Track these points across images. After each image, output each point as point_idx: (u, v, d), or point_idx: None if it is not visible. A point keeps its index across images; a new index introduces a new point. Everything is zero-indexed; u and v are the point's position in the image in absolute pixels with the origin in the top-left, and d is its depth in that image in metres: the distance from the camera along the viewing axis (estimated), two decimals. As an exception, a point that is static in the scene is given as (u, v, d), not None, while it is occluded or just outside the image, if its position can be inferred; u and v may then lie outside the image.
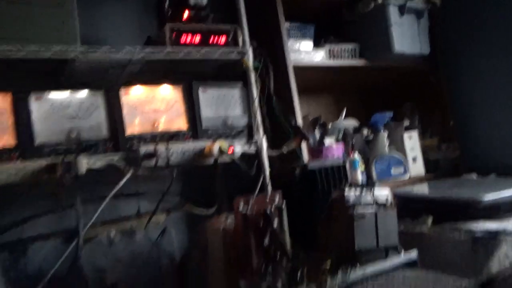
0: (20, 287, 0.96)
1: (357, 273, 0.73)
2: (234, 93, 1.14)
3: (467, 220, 0.93)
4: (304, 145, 1.22)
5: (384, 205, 0.81)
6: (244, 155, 1.12)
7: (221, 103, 1.12)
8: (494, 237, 0.78)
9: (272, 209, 0.74)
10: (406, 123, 1.50)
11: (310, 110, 1.64)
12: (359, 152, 1.45)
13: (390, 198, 0.82)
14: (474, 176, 1.33)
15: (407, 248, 0.88)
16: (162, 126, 1.04)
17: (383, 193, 0.82)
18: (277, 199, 0.76)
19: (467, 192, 0.96)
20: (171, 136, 1.03)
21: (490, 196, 0.89)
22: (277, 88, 1.22)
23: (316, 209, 0.83)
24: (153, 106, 1.03)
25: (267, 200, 0.75)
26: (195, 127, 1.07)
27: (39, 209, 1.03)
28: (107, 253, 1.04)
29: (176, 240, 1.19)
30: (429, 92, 1.71)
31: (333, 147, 1.28)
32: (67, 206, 0.98)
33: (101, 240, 1.04)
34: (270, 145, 1.19)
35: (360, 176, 1.36)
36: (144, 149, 0.94)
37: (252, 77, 1.14)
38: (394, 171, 1.42)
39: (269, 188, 1.02)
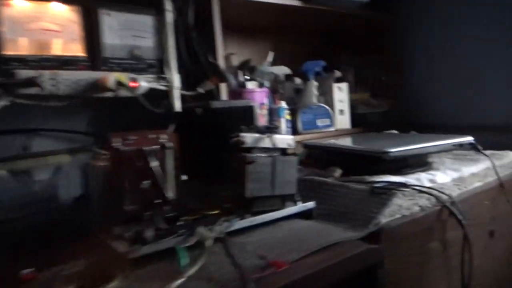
0: None
1: (243, 221, 0.68)
2: (145, 21, 1.01)
3: (374, 174, 0.91)
4: (223, 87, 1.13)
5: (284, 152, 0.76)
6: (153, 92, 1.01)
7: (128, 30, 0.98)
8: (390, 189, 0.76)
9: (156, 148, 0.66)
10: (338, 74, 1.45)
11: (244, 53, 1.54)
12: (288, 101, 1.40)
13: (292, 145, 0.77)
14: (394, 132, 1.33)
15: (309, 197, 0.85)
16: (54, 50, 0.90)
17: (285, 138, 0.76)
18: (165, 138, 0.68)
19: (377, 145, 0.93)
20: (64, 62, 0.89)
21: (397, 150, 0.87)
22: (200, 21, 1.10)
23: (217, 151, 0.76)
24: (42, 24, 0.88)
25: (153, 138, 0.67)
26: (95, 55, 0.94)
27: None
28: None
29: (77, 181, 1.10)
30: (367, 44, 1.66)
31: (256, 92, 1.20)
32: None
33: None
34: (187, 84, 1.10)
35: (284, 125, 1.32)
36: (25, 73, 0.81)
37: (167, 3, 1.01)
38: (320, 122, 1.39)
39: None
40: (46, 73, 0.84)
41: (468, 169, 0.97)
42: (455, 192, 0.85)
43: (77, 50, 0.92)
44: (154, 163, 0.64)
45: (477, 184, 0.92)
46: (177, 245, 0.56)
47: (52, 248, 0.76)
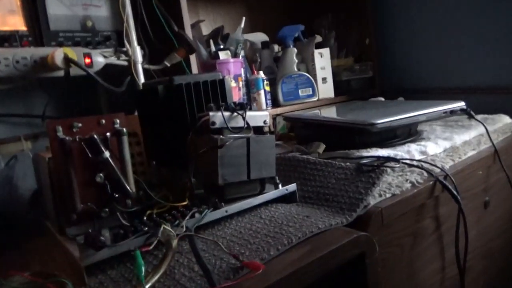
0: None
1: (216, 212, 0.61)
2: (96, -14, 0.89)
3: (361, 147, 0.84)
4: (193, 59, 1.02)
5: (261, 131, 0.68)
6: (112, 68, 0.90)
7: (78, -2, 0.86)
8: (379, 166, 0.69)
9: (108, 135, 0.57)
10: (319, 39, 1.35)
11: (216, 20, 1.42)
12: (266, 71, 1.30)
13: (268, 122, 0.68)
14: (381, 99, 1.25)
15: (291, 178, 0.77)
16: (-10, 25, 0.77)
17: (260, 115, 0.67)
18: (118, 122, 0.58)
19: (363, 116, 0.86)
20: (2, 39, 0.77)
21: (384, 121, 0.79)
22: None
23: (184, 133, 0.67)
24: (-29, -6, 0.76)
25: (103, 123, 0.57)
26: (40, 28, 0.82)
27: None
28: None
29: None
30: (347, 6, 1.55)
31: (230, 62, 1.10)
32: None
33: None
34: (153, 58, 0.99)
35: (263, 97, 1.22)
36: (-47, 53, 0.69)
37: (121, -35, 0.88)
38: (302, 92, 1.30)
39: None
40: (-20, 52, 0.72)
41: (461, 137, 0.91)
42: (448, 164, 0.78)
43: (17, 23, 0.79)
44: (107, 153, 0.55)
45: (471, 153, 0.85)
46: (135, 251, 0.48)
47: (5, 250, 0.68)
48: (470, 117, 0.93)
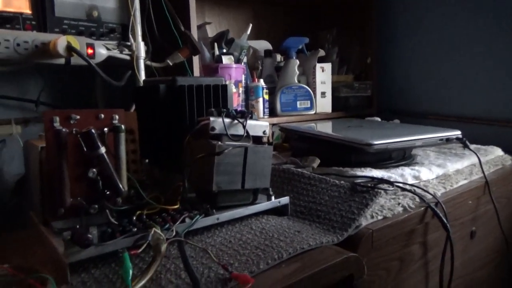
0: None
1: (208, 218, 0.60)
2: (107, -23, 0.87)
3: (355, 165, 0.84)
4: (196, 61, 1.02)
5: (259, 140, 0.67)
6: (114, 61, 0.89)
7: (86, -14, 0.85)
8: (373, 187, 0.69)
9: (106, 130, 0.55)
10: (322, 53, 1.35)
11: (222, 24, 1.41)
12: (266, 79, 1.30)
13: (268, 133, 0.68)
14: (377, 119, 1.26)
15: (284, 190, 0.77)
16: (-6, 4, 0.76)
17: (260, 125, 0.67)
18: (116, 118, 0.57)
19: (360, 135, 0.86)
20: (5, 20, 0.76)
21: (381, 142, 0.80)
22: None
23: (181, 135, 0.66)
24: (-23, -28, 0.74)
25: (101, 118, 0.56)
26: (44, 13, 0.80)
27: None
28: None
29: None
30: (355, 23, 1.57)
31: (232, 67, 1.09)
32: None
33: None
34: (155, 55, 0.97)
35: (261, 105, 1.22)
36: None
37: (133, -42, 0.87)
38: (300, 104, 1.30)
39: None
40: (-20, 32, 0.70)
41: (454, 165, 0.91)
42: (440, 191, 0.79)
43: (22, 5, 0.78)
44: (103, 149, 0.54)
45: (462, 182, 0.86)
46: (124, 252, 0.46)
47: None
48: (465, 146, 0.94)
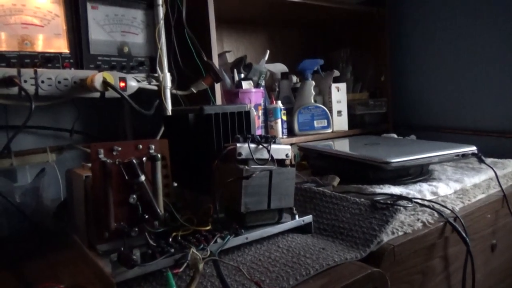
0: None
1: (238, 238, 0.64)
2: (135, 15, 0.95)
3: (373, 182, 0.87)
4: (218, 87, 1.08)
5: (282, 163, 0.72)
6: (144, 92, 0.96)
7: (117, 25, 0.93)
8: (393, 204, 0.72)
9: (144, 159, 0.61)
10: (336, 73, 1.40)
11: (239, 49, 1.48)
12: (284, 101, 1.35)
13: (290, 155, 0.72)
14: (394, 135, 1.29)
15: (306, 208, 0.81)
16: (36, 46, 0.83)
17: (283, 149, 0.71)
18: (153, 148, 0.63)
19: (377, 153, 0.89)
20: (47, 60, 0.83)
21: (399, 160, 0.83)
22: (193, 16, 1.04)
23: (209, 159, 0.71)
24: (22, 18, 0.82)
25: (140, 148, 0.62)
26: (81, 52, 0.88)
27: None
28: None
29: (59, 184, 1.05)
30: (368, 41, 1.62)
31: (252, 92, 1.15)
32: None
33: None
34: (180, 84, 1.04)
35: (280, 126, 1.27)
36: (3, 71, 0.75)
37: (159, -3, 0.95)
38: (317, 123, 1.34)
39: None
40: (27, 71, 0.78)
41: (471, 180, 0.94)
42: (458, 206, 0.81)
43: (61, 46, 0.86)
44: (142, 177, 0.59)
45: (480, 196, 0.88)
46: (167, 272, 0.51)
47: (33, 261, 0.71)
48: (481, 161, 0.97)
